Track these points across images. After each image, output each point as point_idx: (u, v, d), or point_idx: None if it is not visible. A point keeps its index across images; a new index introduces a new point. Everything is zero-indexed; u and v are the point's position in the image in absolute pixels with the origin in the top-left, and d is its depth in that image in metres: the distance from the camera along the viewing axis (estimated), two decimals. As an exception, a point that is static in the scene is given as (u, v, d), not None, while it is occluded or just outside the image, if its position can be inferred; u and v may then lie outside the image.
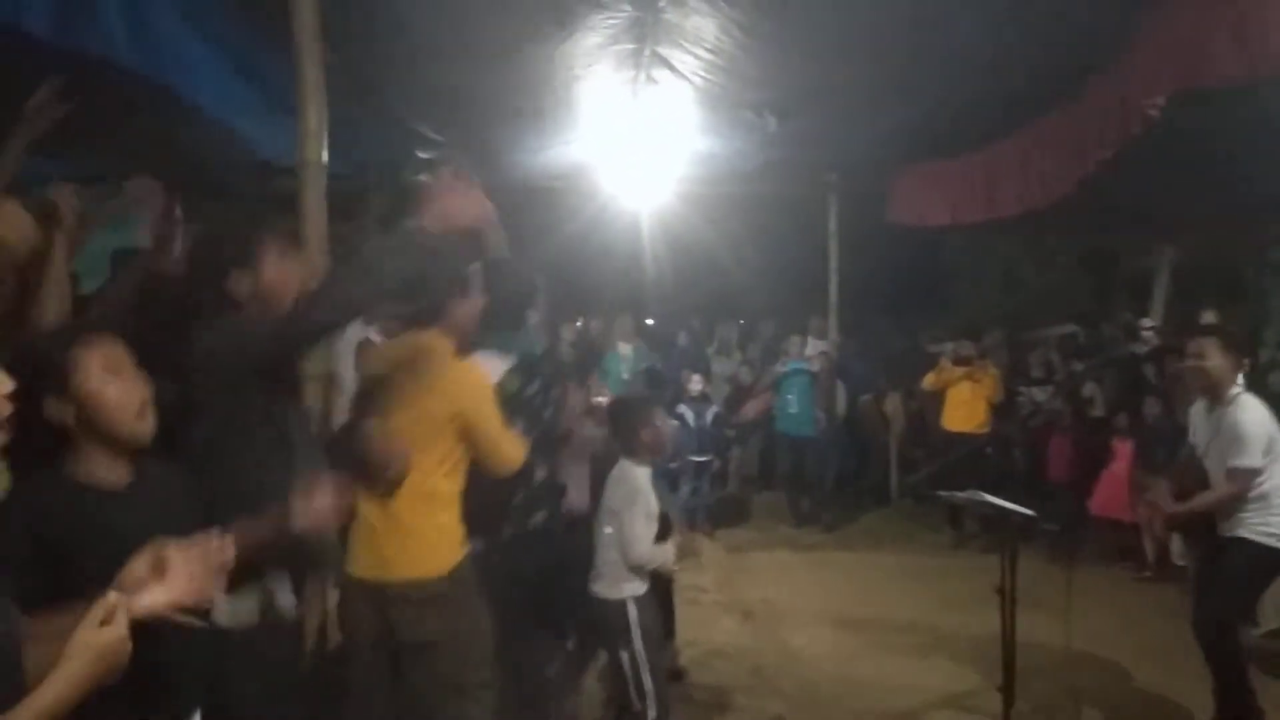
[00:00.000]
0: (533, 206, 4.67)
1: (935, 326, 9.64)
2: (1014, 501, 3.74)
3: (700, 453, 7.99)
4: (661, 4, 3.91)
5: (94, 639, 1.32)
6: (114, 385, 1.79)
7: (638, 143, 5.86)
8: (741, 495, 9.01)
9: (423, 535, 2.70)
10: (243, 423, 2.26)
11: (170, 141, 4.56)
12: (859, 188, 7.63)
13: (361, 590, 2.71)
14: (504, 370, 3.26)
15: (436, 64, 4.12)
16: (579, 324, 7.49)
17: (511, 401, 3.05)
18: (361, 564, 2.72)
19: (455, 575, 2.71)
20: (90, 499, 1.75)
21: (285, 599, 2.28)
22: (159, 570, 1.45)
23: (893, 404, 8.91)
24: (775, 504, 8.53)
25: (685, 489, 7.79)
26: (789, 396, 8.22)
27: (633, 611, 3.38)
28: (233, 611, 2.12)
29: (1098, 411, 7.53)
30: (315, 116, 2.87)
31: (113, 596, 1.35)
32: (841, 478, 8.49)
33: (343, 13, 3.09)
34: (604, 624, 3.46)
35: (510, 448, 2.82)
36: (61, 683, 1.29)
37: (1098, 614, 4.99)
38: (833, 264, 8.21)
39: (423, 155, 5.82)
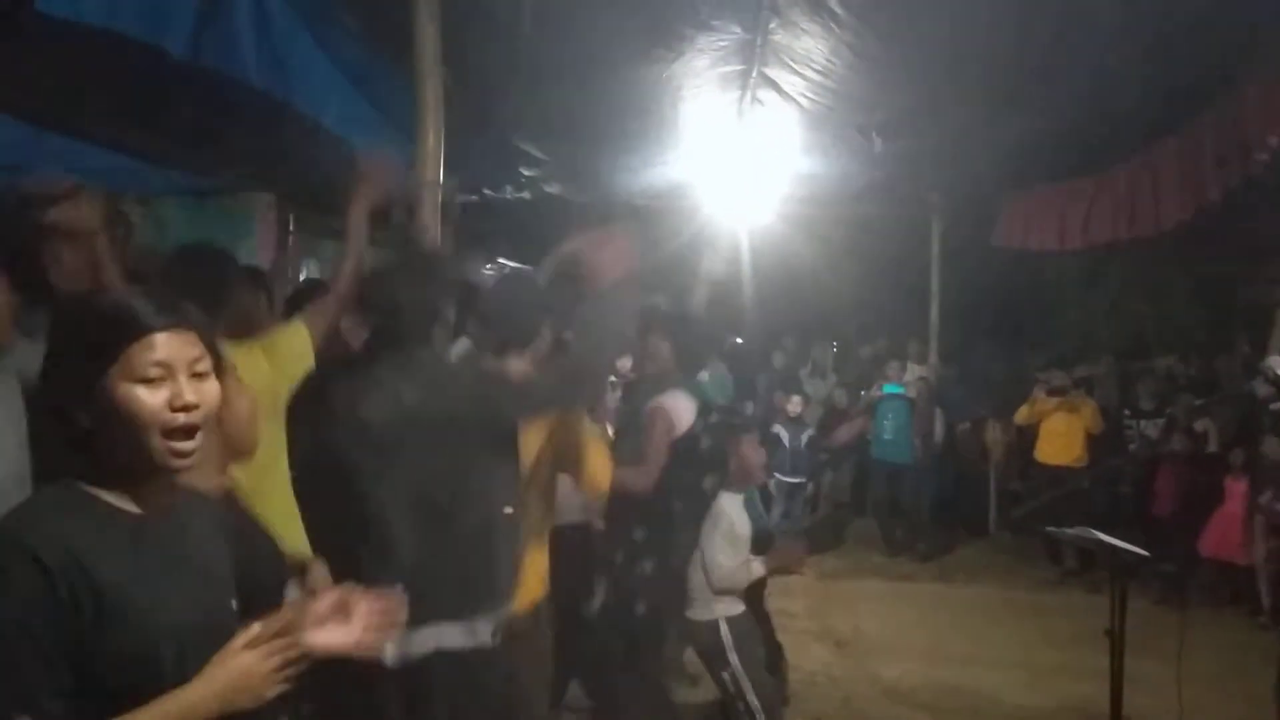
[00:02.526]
0: (632, 225, 4.70)
1: (1040, 353, 9.36)
2: (1120, 539, 3.60)
3: (793, 474, 7.91)
4: (772, 26, 3.91)
5: (235, 660, 1.35)
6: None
7: (739, 162, 5.85)
8: (833, 521, 8.88)
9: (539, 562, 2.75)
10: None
11: (290, 157, 4.74)
12: (963, 209, 7.49)
13: None
14: (693, 411, 3.39)
15: (545, 86, 4.19)
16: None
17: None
18: None
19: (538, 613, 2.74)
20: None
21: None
22: (343, 611, 1.50)
23: (993, 433, 8.67)
24: (868, 531, 8.38)
25: (776, 511, 7.72)
26: (885, 421, 8.08)
27: (725, 631, 3.37)
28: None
29: (1211, 447, 7.21)
30: (433, 138, 2.95)
31: (257, 628, 1.38)
32: (938, 507, 8.27)
33: (460, 37, 3.16)
34: (701, 647, 3.45)
35: (600, 472, 2.89)
36: (193, 693, 1.32)
37: (1209, 660, 4.77)
38: (934, 287, 8.05)
39: (527, 173, 5.92)
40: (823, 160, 5.81)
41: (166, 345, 1.36)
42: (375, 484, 2.29)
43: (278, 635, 1.38)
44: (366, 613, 1.52)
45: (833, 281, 9.02)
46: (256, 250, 6.21)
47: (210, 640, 1.36)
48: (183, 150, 4.88)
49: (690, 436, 3.58)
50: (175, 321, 1.38)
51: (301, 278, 7.06)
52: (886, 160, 5.63)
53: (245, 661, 1.35)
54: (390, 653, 2.13)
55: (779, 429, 7.88)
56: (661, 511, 3.48)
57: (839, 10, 3.70)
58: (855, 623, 6.00)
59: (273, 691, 1.37)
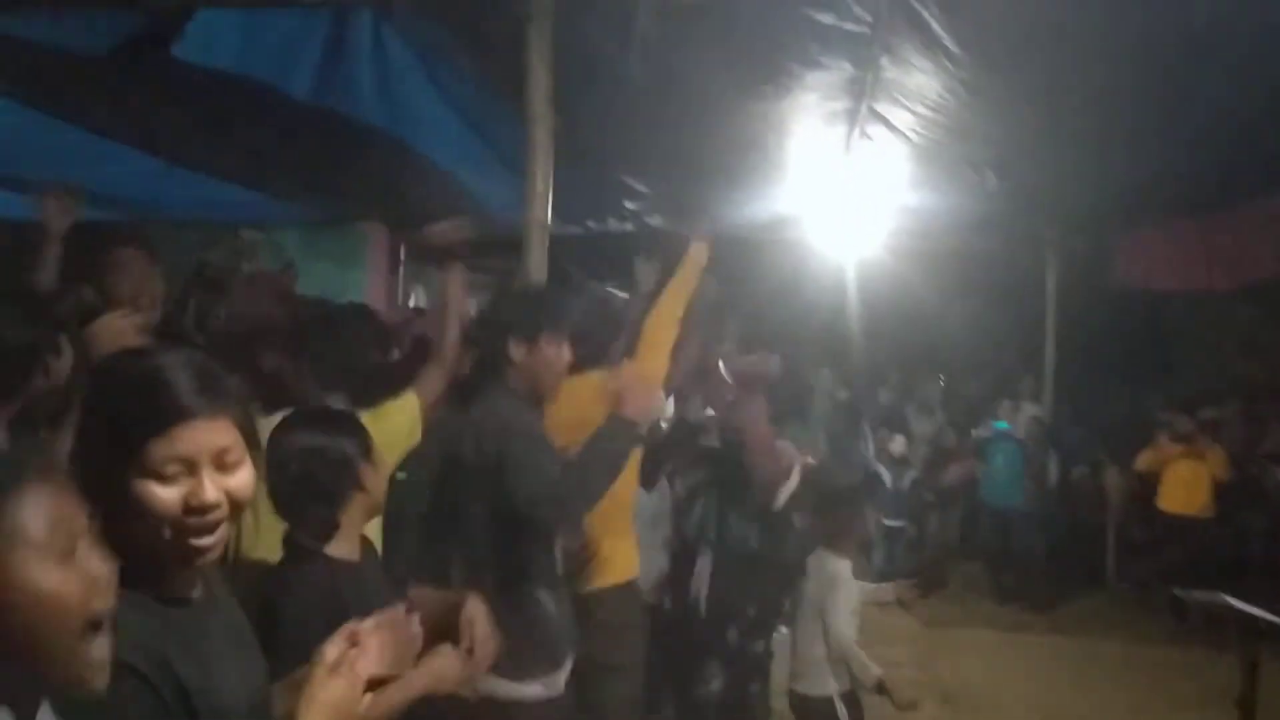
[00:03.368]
0: (734, 258, 4.68)
1: (1161, 394, 8.92)
2: (1251, 596, 3.37)
3: (895, 518, 7.69)
4: (883, 63, 3.85)
5: (324, 694, 1.35)
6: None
7: (846, 196, 5.78)
8: (939, 565, 8.60)
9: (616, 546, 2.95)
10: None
11: (402, 191, 4.88)
12: (1081, 245, 7.23)
13: None
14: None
15: (651, 121, 4.21)
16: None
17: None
18: None
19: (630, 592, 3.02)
20: (338, 571, 1.87)
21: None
22: (354, 645, 1.44)
23: (1111, 477, 8.28)
24: (976, 577, 8.08)
25: (877, 556, 7.51)
26: (995, 463, 7.80)
27: (842, 709, 3.25)
28: None
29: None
30: (542, 179, 2.98)
31: (332, 650, 1.39)
32: (1051, 554, 7.92)
33: (569, 75, 3.21)
34: None
35: None
36: None
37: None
38: (1049, 323, 7.77)
39: (630, 206, 5.95)
40: (932, 195, 5.69)
41: (191, 439, 1.22)
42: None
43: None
44: (375, 643, 1.48)
45: (941, 317, 8.80)
46: (367, 277, 6.41)
47: (264, 710, 1.36)
48: (302, 184, 5.09)
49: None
50: (208, 409, 1.23)
51: (410, 304, 7.26)
52: (1000, 195, 5.48)
53: (334, 693, 1.35)
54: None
55: (881, 469, 7.69)
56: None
57: (953, 47, 3.62)
58: (963, 675, 5.77)
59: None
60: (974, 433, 8.38)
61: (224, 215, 5.33)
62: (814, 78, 3.89)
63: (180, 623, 1.25)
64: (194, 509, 1.22)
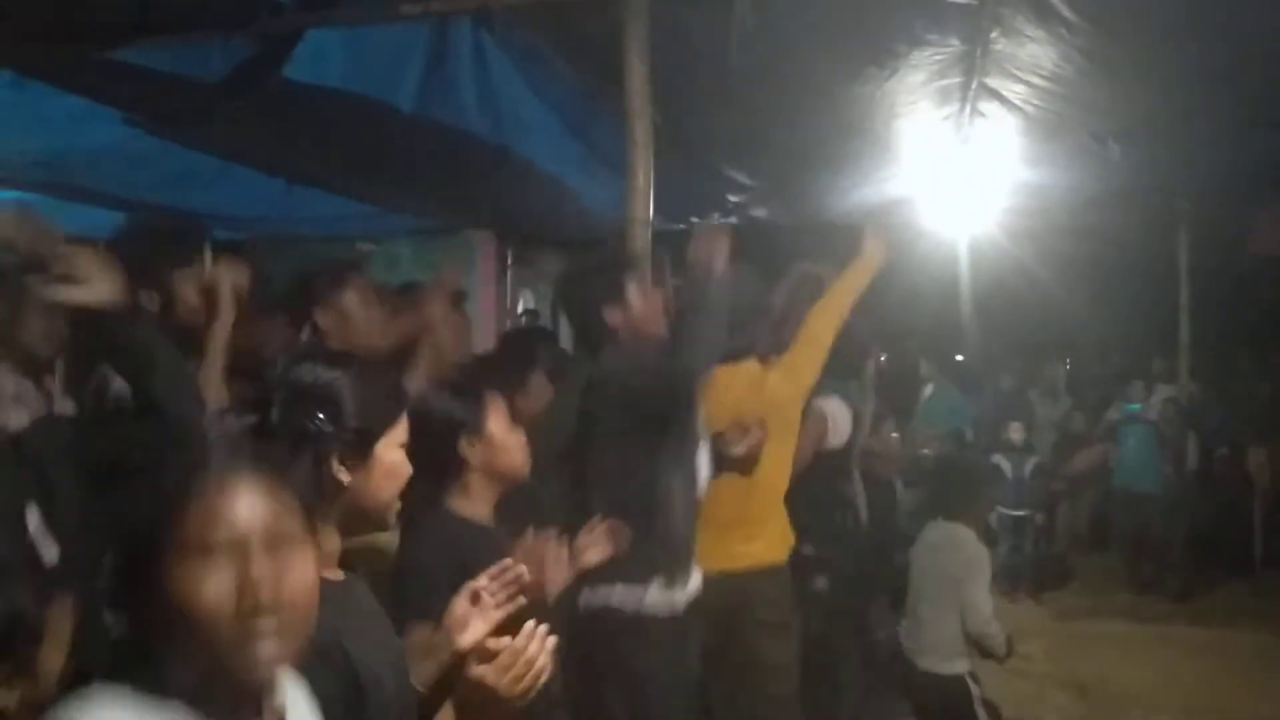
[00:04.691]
0: (844, 245, 4.57)
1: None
2: None
3: (1017, 507, 7.41)
4: (993, 35, 3.69)
5: (477, 675, 1.38)
6: (514, 431, 1.97)
7: (959, 175, 5.59)
8: (1070, 555, 8.25)
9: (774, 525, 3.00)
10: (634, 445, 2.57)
11: (506, 197, 4.94)
12: (1215, 216, 6.81)
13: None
14: (850, 423, 3.36)
15: (753, 111, 4.15)
16: (883, 359, 7.20)
17: None
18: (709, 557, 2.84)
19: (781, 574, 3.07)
20: (475, 532, 1.92)
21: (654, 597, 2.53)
22: (476, 603, 1.56)
23: (1257, 459, 7.79)
24: (1111, 567, 7.73)
25: (1002, 548, 7.25)
26: (1128, 447, 7.44)
27: (973, 685, 3.16)
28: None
29: None
30: (643, 175, 2.96)
31: (494, 641, 1.43)
32: (1192, 541, 7.50)
33: (668, 67, 3.18)
34: (941, 701, 3.24)
35: None
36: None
37: None
38: (1183, 299, 7.35)
39: (733, 199, 5.89)
40: (1051, 170, 5.45)
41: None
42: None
43: (515, 649, 1.40)
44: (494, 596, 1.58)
45: (1065, 296, 8.43)
46: (477, 283, 6.53)
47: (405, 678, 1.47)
48: (412, 195, 5.21)
49: (844, 451, 3.55)
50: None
51: (519, 309, 7.37)
52: (1125, 168, 5.21)
53: (486, 678, 1.38)
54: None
55: (999, 458, 7.39)
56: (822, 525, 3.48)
57: (1069, 14, 3.44)
58: (1099, 669, 5.52)
59: (520, 701, 1.39)
60: (1104, 416, 8.01)
61: (341, 229, 5.50)
62: (921, 55, 3.76)
63: (336, 597, 1.32)
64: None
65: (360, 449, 1.48)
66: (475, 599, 1.56)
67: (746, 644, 3.00)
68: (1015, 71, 4.08)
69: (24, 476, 1.98)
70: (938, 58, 3.85)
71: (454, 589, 1.59)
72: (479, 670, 1.37)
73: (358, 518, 1.54)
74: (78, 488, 2.07)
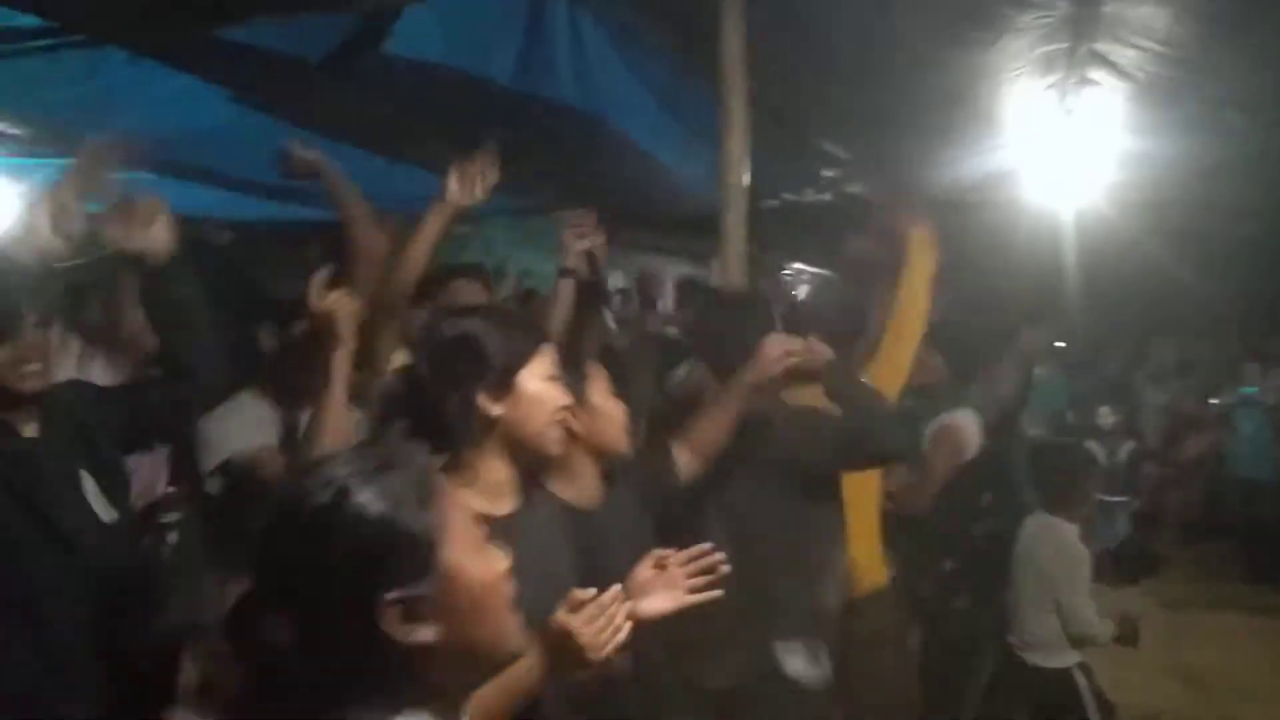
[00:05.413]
0: (944, 221, 4.44)
1: None
2: None
3: (1110, 492, 7.14)
4: (1103, -4, 3.54)
5: (561, 625, 1.42)
6: (614, 402, 1.97)
7: (1066, 147, 5.39)
8: (1180, 543, 7.93)
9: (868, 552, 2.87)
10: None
11: (598, 171, 4.94)
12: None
13: None
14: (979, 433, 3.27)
15: (850, 83, 4.06)
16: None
17: None
18: None
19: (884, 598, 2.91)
20: (577, 517, 1.88)
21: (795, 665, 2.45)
22: (660, 570, 1.59)
23: (1383, 445, 7.39)
24: (1223, 556, 7.41)
25: (1098, 533, 7.00)
26: (1243, 432, 7.12)
27: (1081, 680, 3.05)
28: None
29: None
30: (738, 148, 2.93)
31: (580, 594, 1.45)
32: (1311, 530, 7.16)
33: (763, 38, 3.13)
34: (1047, 699, 3.14)
35: None
36: (522, 661, 1.39)
37: None
38: (1304, 277, 6.98)
39: (827, 174, 5.79)
40: (1163, 140, 5.20)
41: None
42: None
43: (602, 603, 1.44)
44: (684, 572, 1.60)
45: (1175, 273, 8.06)
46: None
47: None
48: (507, 174, 5.24)
49: (974, 462, 3.41)
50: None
51: (611, 289, 7.38)
52: (1245, 136, 4.95)
53: (572, 626, 1.41)
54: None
55: (1091, 444, 7.14)
56: (959, 539, 3.31)
57: (1186, -30, 3.29)
58: (1208, 658, 5.31)
59: (598, 658, 1.42)
60: (1215, 400, 7.67)
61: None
62: (1026, 19, 3.63)
63: (507, 529, 1.38)
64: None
65: (504, 382, 1.62)
66: (662, 568, 1.59)
67: (857, 663, 2.85)
68: (1126, 35, 3.90)
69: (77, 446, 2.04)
70: (1044, 21, 3.70)
71: (547, 578, 1.54)
72: (566, 617, 1.41)
73: (517, 447, 1.67)
74: (118, 452, 2.16)
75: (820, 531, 2.53)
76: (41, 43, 3.04)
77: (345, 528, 0.91)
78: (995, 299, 6.15)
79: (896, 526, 3.05)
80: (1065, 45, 3.99)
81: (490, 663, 1.06)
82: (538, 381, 1.69)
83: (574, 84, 3.47)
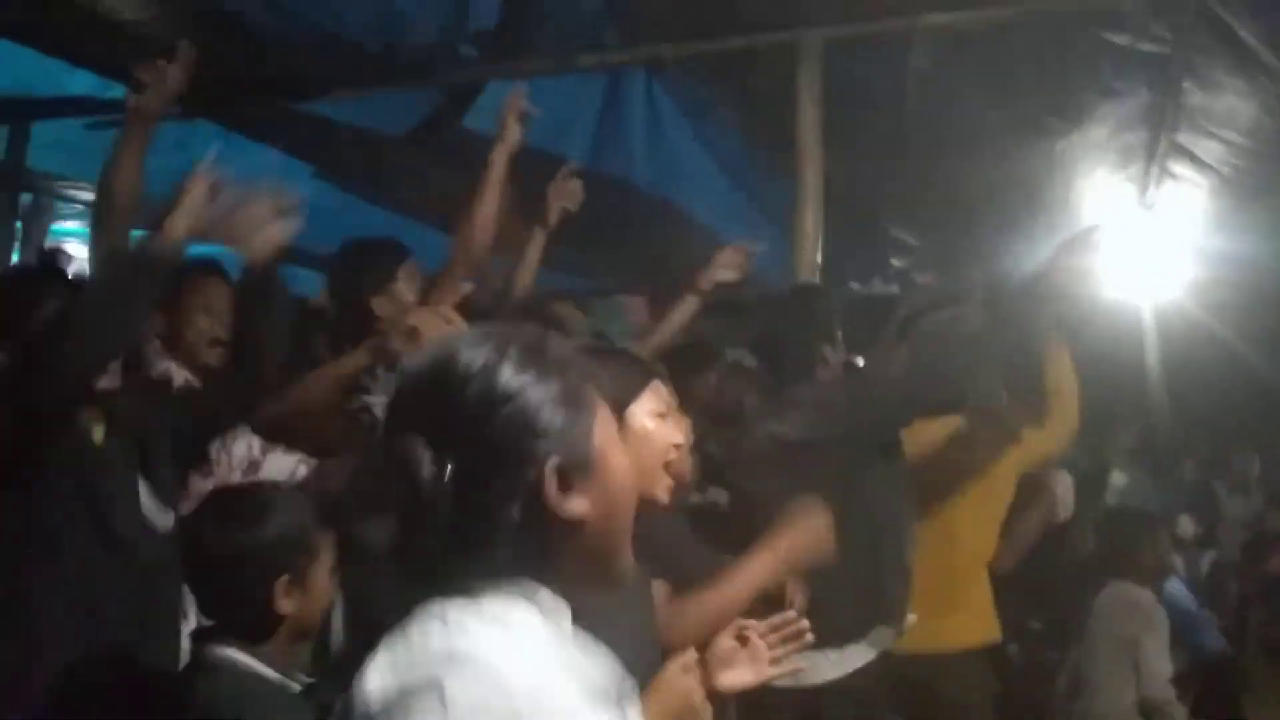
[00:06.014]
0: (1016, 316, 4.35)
1: None
2: None
3: (1197, 607, 6.74)
4: (1186, 86, 3.50)
5: (677, 684, 1.32)
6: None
7: (1144, 241, 5.28)
8: (1264, 665, 7.44)
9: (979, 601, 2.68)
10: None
11: (664, 254, 4.95)
12: None
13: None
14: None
15: (924, 168, 4.05)
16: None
17: None
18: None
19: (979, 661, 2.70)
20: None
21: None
22: (743, 644, 1.44)
23: None
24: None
25: (1188, 644, 6.61)
26: (1334, 547, 6.73)
27: None
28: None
29: None
30: (812, 220, 2.91)
31: (691, 656, 1.36)
32: None
33: (837, 121, 3.13)
34: None
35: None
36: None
37: None
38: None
39: (897, 264, 5.74)
40: (1248, 236, 5.08)
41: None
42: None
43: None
44: (764, 643, 1.46)
45: (1260, 377, 7.77)
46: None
47: None
48: (573, 254, 5.28)
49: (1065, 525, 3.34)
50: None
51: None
52: (1334, 233, 4.82)
53: (685, 685, 1.33)
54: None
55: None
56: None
57: (1272, 61, 3.23)
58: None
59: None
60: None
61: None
62: (1106, 108, 3.61)
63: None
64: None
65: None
66: (744, 641, 1.45)
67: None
68: (1209, 127, 3.85)
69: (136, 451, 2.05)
70: (1124, 110, 3.68)
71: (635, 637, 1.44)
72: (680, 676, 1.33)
73: None
74: (173, 453, 2.15)
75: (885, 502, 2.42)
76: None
77: (508, 394, 0.89)
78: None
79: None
80: (1145, 135, 3.94)
81: (609, 571, 0.99)
82: (648, 419, 1.54)
83: (646, 157, 3.50)
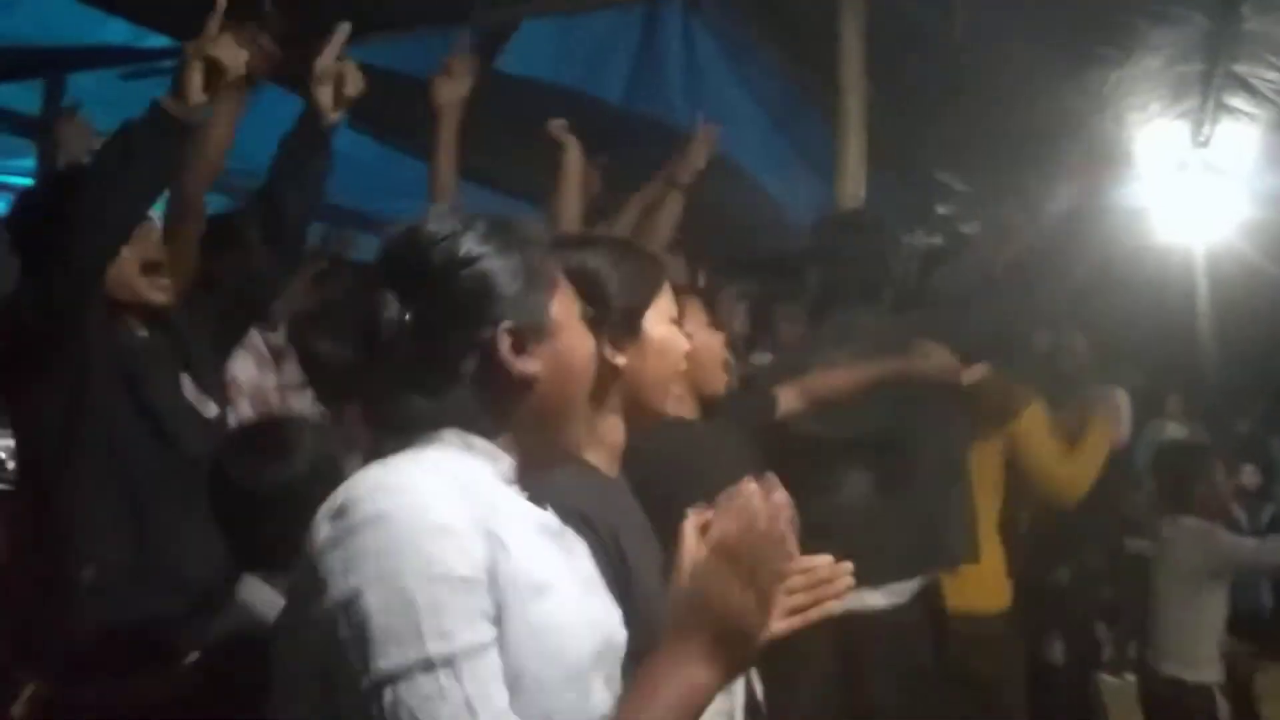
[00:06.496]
0: (1064, 256, 4.22)
1: None
2: None
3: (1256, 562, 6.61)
4: (1245, 11, 3.35)
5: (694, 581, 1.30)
6: (713, 334, 1.82)
7: (1195, 179, 5.12)
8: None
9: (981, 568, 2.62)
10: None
11: (706, 200, 4.87)
12: None
13: None
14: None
15: (971, 105, 3.93)
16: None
17: None
18: None
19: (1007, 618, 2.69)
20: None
21: None
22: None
23: None
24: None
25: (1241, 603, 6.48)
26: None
27: (1221, 700, 2.82)
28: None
29: None
30: (855, 155, 2.83)
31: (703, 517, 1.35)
32: None
33: (880, 58, 3.04)
34: (1181, 712, 2.90)
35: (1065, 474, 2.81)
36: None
37: None
38: None
39: (943, 211, 5.61)
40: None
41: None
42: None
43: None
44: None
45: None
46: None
47: None
48: (605, 197, 5.20)
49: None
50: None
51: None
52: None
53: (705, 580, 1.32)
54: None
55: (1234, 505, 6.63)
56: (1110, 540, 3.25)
57: (1338, -18, 3.09)
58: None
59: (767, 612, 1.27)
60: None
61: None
62: (1160, 34, 3.46)
63: (613, 495, 1.37)
64: None
65: (628, 328, 1.41)
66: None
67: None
68: (1269, 56, 3.69)
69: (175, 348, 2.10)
70: (1178, 38, 3.53)
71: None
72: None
73: (637, 404, 1.45)
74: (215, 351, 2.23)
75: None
76: (169, 63, 3.14)
77: (469, 258, 0.99)
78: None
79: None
80: (1201, 67, 3.79)
81: (559, 443, 1.07)
82: (664, 326, 1.45)
83: (683, 96, 3.42)
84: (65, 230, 1.81)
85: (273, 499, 1.53)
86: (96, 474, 1.90)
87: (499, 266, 1.00)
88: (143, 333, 2.05)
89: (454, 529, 0.88)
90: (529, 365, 1.00)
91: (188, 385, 2.08)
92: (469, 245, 0.99)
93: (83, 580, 1.84)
